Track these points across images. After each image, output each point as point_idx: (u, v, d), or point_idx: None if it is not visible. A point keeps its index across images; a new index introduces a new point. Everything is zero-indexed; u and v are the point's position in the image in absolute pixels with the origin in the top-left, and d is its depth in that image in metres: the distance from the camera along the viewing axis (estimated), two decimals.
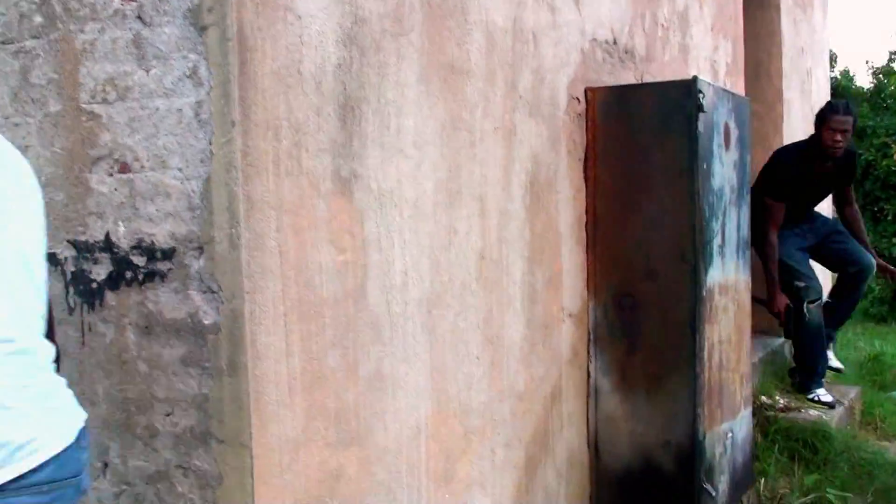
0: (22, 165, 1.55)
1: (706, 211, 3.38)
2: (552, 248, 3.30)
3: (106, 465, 2.21)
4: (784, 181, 5.38)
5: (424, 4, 2.56)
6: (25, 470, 1.42)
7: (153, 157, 2.06)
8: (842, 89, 15.31)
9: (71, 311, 2.20)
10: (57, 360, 1.59)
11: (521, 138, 3.07)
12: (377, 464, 2.43)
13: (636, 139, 3.45)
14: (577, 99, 3.46)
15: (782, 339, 6.36)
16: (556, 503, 3.35)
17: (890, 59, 20.95)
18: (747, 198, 3.95)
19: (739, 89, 5.27)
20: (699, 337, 3.37)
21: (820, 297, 5.43)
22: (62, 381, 1.58)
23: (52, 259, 2.17)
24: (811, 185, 5.47)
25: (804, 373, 5.67)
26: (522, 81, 3.07)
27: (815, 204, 5.77)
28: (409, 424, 2.55)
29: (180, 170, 2.03)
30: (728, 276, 3.66)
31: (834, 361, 5.91)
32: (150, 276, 2.10)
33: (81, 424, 1.59)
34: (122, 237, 2.12)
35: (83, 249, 2.17)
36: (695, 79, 3.32)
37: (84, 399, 2.19)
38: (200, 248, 2.02)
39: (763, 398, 5.42)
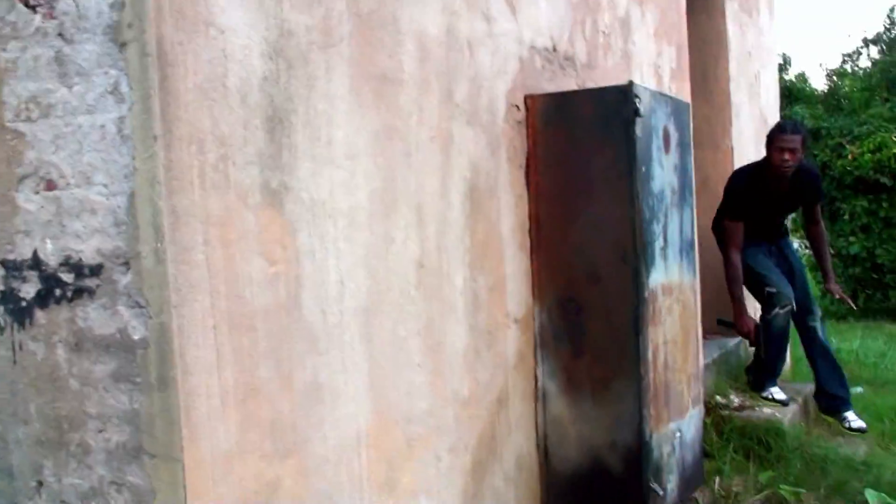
0: None
1: (646, 213, 3.42)
2: (495, 254, 3.33)
3: (40, 483, 2.20)
4: (738, 201, 5.52)
5: (353, 16, 2.58)
6: None
7: (78, 173, 2.06)
8: (797, 92, 15.53)
9: (1, 330, 2.20)
10: None
11: (459, 147, 3.10)
12: (316, 474, 2.43)
13: (576, 145, 3.49)
14: (517, 106, 3.49)
15: (737, 339, 6.43)
16: None
17: (843, 62, 21.29)
18: (690, 200, 4.00)
19: (685, 94, 5.33)
20: (643, 338, 3.41)
21: (791, 303, 5.47)
22: None
23: None
24: (767, 204, 5.56)
25: (760, 371, 5.73)
26: (459, 90, 3.09)
27: (776, 223, 5.85)
28: (349, 434, 2.56)
29: (105, 186, 2.03)
30: (672, 277, 3.70)
31: (857, 421, 5.61)
32: (79, 292, 2.10)
33: None
34: (50, 255, 2.12)
35: (11, 268, 2.16)
36: (631, 84, 3.37)
37: (17, 418, 2.20)
38: (127, 264, 2.03)
39: (718, 398, 5.48)
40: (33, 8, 2.07)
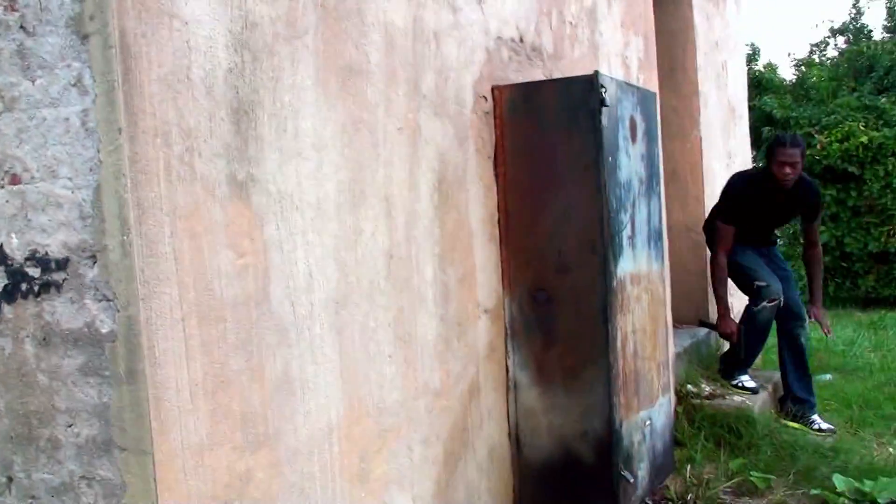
0: None
1: (614, 203, 3.44)
2: (464, 245, 3.34)
3: (10, 479, 2.19)
4: (734, 205, 5.60)
5: (318, 7, 2.58)
6: None
7: (43, 167, 2.05)
8: (765, 82, 15.63)
9: None
10: None
11: (427, 138, 3.10)
12: (288, 466, 2.44)
13: (543, 135, 3.50)
14: (484, 97, 3.50)
15: (707, 329, 6.49)
16: (478, 497, 3.38)
17: (811, 52, 21.45)
18: (658, 189, 4.03)
19: (653, 84, 5.36)
20: (612, 327, 3.43)
21: (779, 298, 5.51)
22: None
23: None
24: (762, 212, 5.64)
25: (733, 360, 5.77)
26: (425, 81, 3.10)
27: (768, 233, 5.92)
28: (321, 425, 2.57)
29: (70, 179, 2.02)
30: (640, 266, 3.73)
31: (824, 423, 5.64)
32: (46, 286, 2.09)
33: None
34: (16, 249, 2.11)
35: None
36: (596, 73, 3.39)
37: None
38: (94, 257, 2.02)
39: (689, 386, 5.53)
40: None
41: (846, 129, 11.86)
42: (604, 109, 3.38)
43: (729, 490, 4.46)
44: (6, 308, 2.15)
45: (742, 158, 7.92)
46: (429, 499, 3.09)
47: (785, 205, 5.59)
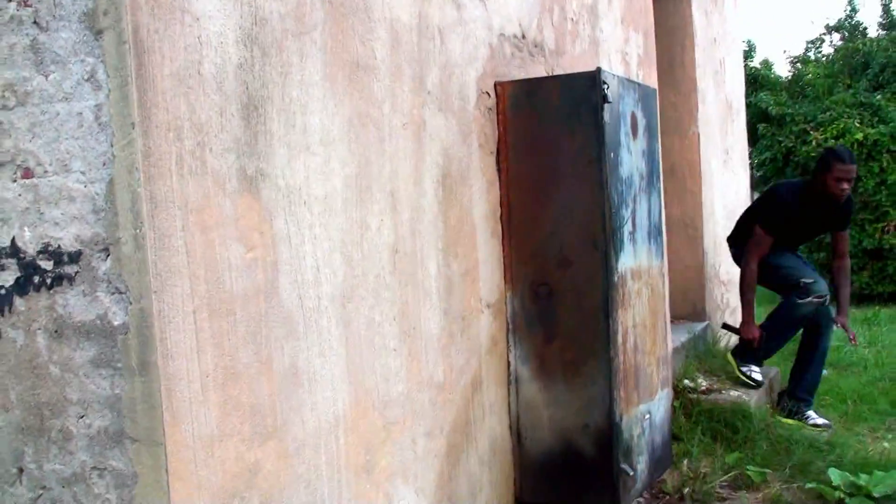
0: None
1: (615, 199, 3.47)
2: (467, 240, 3.36)
3: (21, 470, 2.21)
4: (781, 215, 5.56)
5: (326, 3, 2.60)
6: None
7: (56, 161, 2.07)
8: (762, 79, 15.64)
9: None
10: None
11: (432, 133, 3.13)
12: (295, 457, 2.46)
13: (546, 131, 3.53)
14: (487, 93, 3.52)
15: (705, 324, 6.52)
16: (479, 490, 3.41)
17: (807, 49, 21.48)
18: (658, 185, 4.06)
19: (652, 80, 5.39)
20: (613, 322, 3.46)
21: (826, 298, 5.52)
22: None
23: None
24: (804, 225, 5.66)
25: (751, 349, 5.74)
26: (430, 77, 3.13)
27: (802, 242, 5.96)
28: (327, 417, 2.59)
29: (83, 173, 2.04)
30: (641, 261, 3.76)
31: (820, 418, 5.67)
32: (58, 279, 2.11)
33: None
34: (29, 242, 2.13)
35: None
36: (599, 70, 3.41)
37: None
38: (107, 250, 2.04)
39: (686, 381, 5.56)
40: None
41: (841, 125, 11.87)
42: (606, 106, 3.41)
43: (725, 484, 4.49)
44: (18, 300, 2.16)
45: (739, 155, 7.96)
46: (432, 491, 3.12)
47: (825, 217, 5.62)
